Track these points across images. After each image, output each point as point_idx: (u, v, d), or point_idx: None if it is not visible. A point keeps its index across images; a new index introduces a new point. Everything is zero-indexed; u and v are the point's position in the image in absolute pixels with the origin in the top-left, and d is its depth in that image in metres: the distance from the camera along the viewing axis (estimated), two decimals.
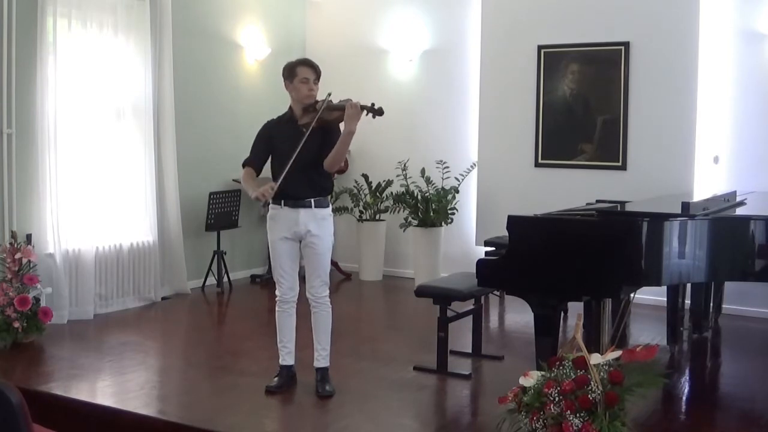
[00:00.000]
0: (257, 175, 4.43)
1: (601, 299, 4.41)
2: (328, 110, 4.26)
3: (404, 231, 7.65)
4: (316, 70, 4.37)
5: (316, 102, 4.33)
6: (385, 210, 7.90)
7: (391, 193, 7.80)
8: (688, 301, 5.69)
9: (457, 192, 7.53)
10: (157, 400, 4.32)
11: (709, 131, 6.61)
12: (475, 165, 7.62)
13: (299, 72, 4.32)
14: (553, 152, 7.22)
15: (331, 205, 4.51)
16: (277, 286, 4.46)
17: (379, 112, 4.24)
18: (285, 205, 4.31)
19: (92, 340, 5.59)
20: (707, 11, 6.54)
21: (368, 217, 7.96)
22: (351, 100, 4.26)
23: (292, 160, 4.14)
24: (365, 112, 4.23)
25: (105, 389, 4.48)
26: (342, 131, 4.24)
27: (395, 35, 8.05)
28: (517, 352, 5.30)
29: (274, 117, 4.51)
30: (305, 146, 4.18)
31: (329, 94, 4.30)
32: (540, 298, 3.95)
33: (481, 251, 6.35)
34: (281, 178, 4.15)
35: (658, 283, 4.00)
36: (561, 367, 3.24)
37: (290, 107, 4.42)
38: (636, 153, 6.84)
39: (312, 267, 4.37)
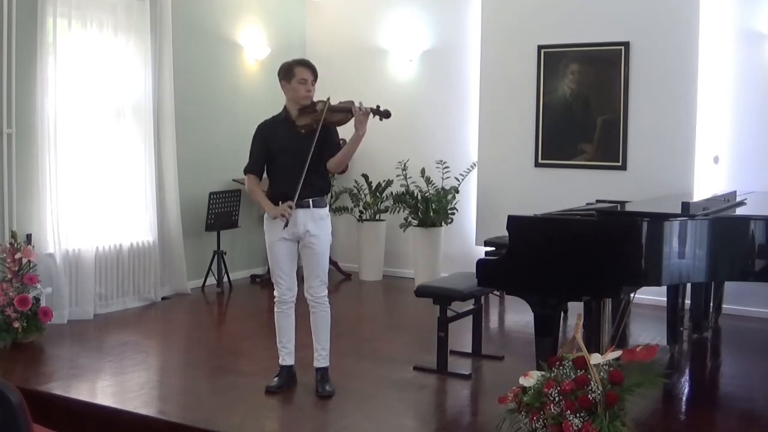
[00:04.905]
0: (260, 179, 4.43)
1: (601, 299, 4.41)
2: (330, 112, 4.25)
3: (404, 231, 7.65)
4: (314, 71, 4.34)
5: (314, 103, 4.31)
6: (385, 210, 7.90)
7: (391, 193, 7.80)
8: (688, 301, 5.69)
9: (457, 192, 7.53)
10: (157, 400, 4.32)
11: (709, 131, 6.61)
12: (475, 165, 7.62)
13: (297, 73, 4.30)
14: (553, 152, 7.22)
15: (328, 204, 4.51)
16: (275, 286, 4.45)
17: (385, 114, 4.22)
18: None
19: (92, 340, 5.59)
20: (707, 11, 6.54)
21: (368, 217, 7.96)
22: (353, 102, 4.25)
23: (304, 173, 4.14)
24: (373, 114, 4.22)
25: (105, 389, 4.48)
26: (352, 134, 4.21)
27: (395, 35, 8.05)
28: (517, 352, 5.30)
29: (268, 117, 4.49)
30: (304, 148, 4.19)
31: (329, 98, 4.28)
32: (540, 298, 3.95)
33: (481, 251, 6.35)
34: (297, 195, 4.14)
35: (658, 283, 4.00)
36: (561, 367, 3.25)
37: (285, 107, 4.40)
38: (636, 153, 6.83)
39: (310, 267, 4.36)
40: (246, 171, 4.42)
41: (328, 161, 4.30)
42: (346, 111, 4.23)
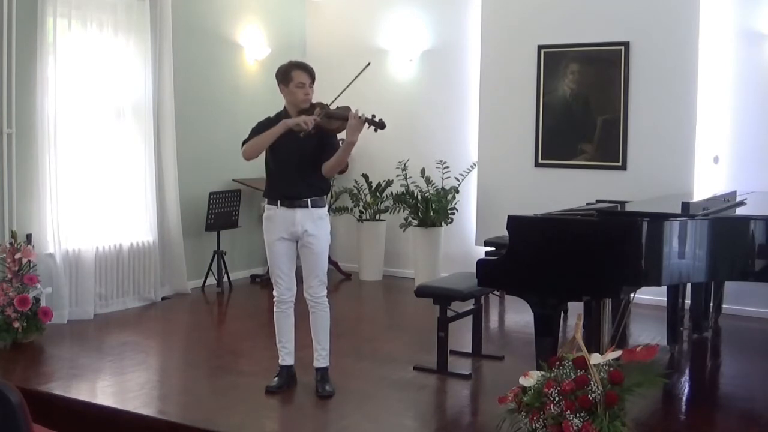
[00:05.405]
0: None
1: (601, 299, 4.41)
2: (327, 118, 4.24)
3: (404, 231, 7.65)
4: (311, 74, 4.33)
5: (313, 106, 4.30)
6: (385, 210, 7.90)
7: (391, 193, 7.80)
8: (688, 301, 5.69)
9: (457, 192, 7.53)
10: (157, 400, 4.32)
11: (709, 131, 6.61)
12: (475, 165, 7.62)
13: (294, 76, 4.28)
14: (553, 152, 7.22)
15: (327, 204, 4.50)
16: (274, 286, 4.45)
17: (380, 125, 4.18)
18: (282, 205, 4.31)
19: (92, 340, 5.59)
20: (707, 11, 6.54)
21: (368, 217, 7.96)
22: (350, 109, 4.23)
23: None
24: (368, 125, 4.21)
25: (105, 389, 4.48)
26: (344, 140, 4.22)
27: (395, 35, 8.05)
28: (517, 352, 5.30)
29: (271, 115, 4.49)
30: (303, 151, 4.21)
31: (368, 64, 4.32)
32: (540, 298, 3.95)
33: (481, 251, 6.35)
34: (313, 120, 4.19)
35: (658, 283, 4.00)
36: (561, 367, 3.25)
37: (285, 108, 4.40)
38: (636, 153, 6.83)
39: (309, 267, 4.36)
40: (244, 142, 4.33)
41: (322, 166, 4.29)
42: (342, 119, 4.22)
